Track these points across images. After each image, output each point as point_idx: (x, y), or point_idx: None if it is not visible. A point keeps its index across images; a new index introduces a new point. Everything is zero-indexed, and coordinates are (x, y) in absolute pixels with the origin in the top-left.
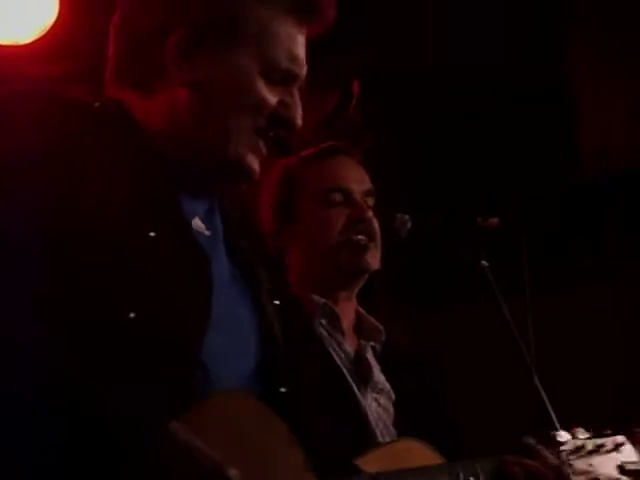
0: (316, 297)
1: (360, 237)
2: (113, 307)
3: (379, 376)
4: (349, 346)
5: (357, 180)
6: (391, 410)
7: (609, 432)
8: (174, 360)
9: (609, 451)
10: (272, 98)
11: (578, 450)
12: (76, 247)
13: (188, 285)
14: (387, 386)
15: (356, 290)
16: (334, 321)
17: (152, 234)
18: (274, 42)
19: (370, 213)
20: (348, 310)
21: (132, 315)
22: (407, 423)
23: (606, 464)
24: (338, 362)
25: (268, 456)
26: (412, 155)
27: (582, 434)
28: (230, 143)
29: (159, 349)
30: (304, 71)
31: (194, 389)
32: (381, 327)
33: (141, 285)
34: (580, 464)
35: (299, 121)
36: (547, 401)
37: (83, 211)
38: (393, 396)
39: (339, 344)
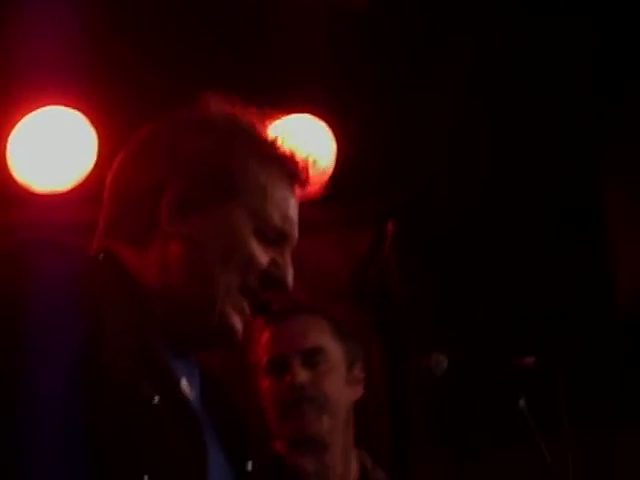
0: (307, 460)
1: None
2: (128, 471)
3: None
4: None
5: (293, 340)
6: None
7: None
8: None
9: None
10: (264, 257)
11: None
12: (95, 406)
13: (188, 450)
14: None
15: (336, 445)
16: None
17: (155, 400)
18: (269, 201)
19: (303, 378)
20: (347, 469)
21: (146, 478)
22: None
23: None
24: None
25: None
26: (449, 295)
27: None
28: (217, 301)
29: None
30: (296, 233)
31: None
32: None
33: (151, 449)
34: None
35: (290, 281)
36: None
37: (102, 369)
38: None
39: None
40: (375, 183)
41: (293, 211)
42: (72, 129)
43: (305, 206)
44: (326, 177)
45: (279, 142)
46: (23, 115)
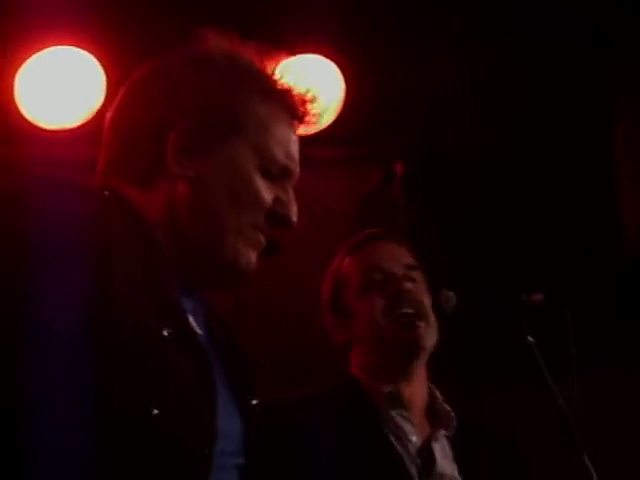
0: (385, 386)
1: (404, 311)
2: (139, 403)
3: (445, 467)
4: (417, 435)
5: (393, 257)
6: None
7: None
8: (192, 450)
9: None
10: (269, 195)
11: None
12: (106, 341)
13: (197, 385)
14: (456, 475)
15: (421, 369)
16: (401, 411)
17: (165, 333)
18: (272, 137)
19: (409, 284)
20: (418, 394)
21: (155, 412)
22: None
23: None
24: (400, 452)
25: None
26: (456, 232)
27: None
28: (227, 240)
29: (178, 443)
30: (298, 170)
31: (210, 469)
32: (452, 413)
33: (160, 383)
34: None
35: (295, 218)
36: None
37: (112, 307)
38: None
39: (406, 435)
40: (385, 124)
41: (294, 147)
42: (81, 68)
43: (314, 145)
44: (335, 116)
45: (279, 78)
46: (31, 54)
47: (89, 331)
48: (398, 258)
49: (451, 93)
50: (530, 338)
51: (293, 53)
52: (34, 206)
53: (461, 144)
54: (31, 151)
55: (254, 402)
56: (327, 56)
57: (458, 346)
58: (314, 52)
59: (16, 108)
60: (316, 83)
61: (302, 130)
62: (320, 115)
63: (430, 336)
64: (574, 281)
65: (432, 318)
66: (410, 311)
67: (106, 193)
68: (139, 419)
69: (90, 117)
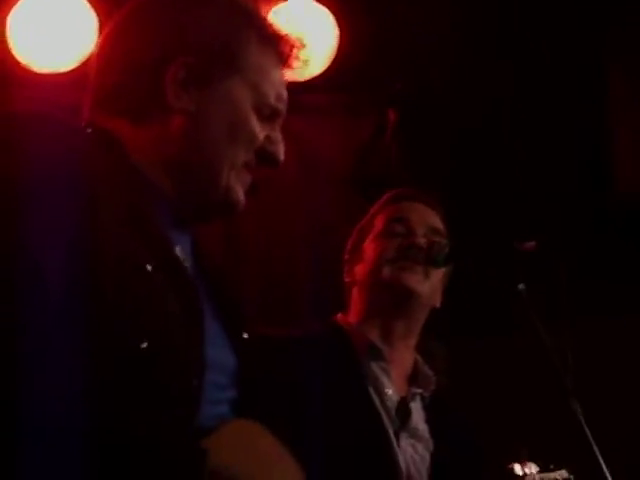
0: (371, 337)
1: (407, 262)
2: (127, 337)
3: (419, 423)
4: (394, 392)
5: (422, 217)
6: (427, 458)
7: (552, 467)
8: (181, 382)
9: None
10: (261, 133)
11: None
12: (93, 280)
13: (184, 316)
14: (427, 435)
15: (412, 328)
16: (381, 363)
17: (149, 267)
18: (266, 78)
19: (423, 240)
20: (403, 356)
21: (144, 345)
22: (442, 475)
23: None
24: (377, 404)
25: None
26: (449, 181)
27: (534, 468)
28: (222, 174)
29: (168, 375)
30: (285, 112)
31: (199, 401)
32: (433, 377)
33: (147, 316)
34: None
35: (282, 157)
36: (586, 427)
37: (98, 244)
38: (431, 446)
39: (382, 388)
40: (378, 71)
41: (284, 90)
42: (72, 11)
43: (308, 92)
44: (328, 63)
45: (273, 23)
46: None
47: (78, 268)
48: (426, 219)
49: (447, 38)
50: (521, 285)
51: None
52: (18, 146)
53: (456, 90)
54: (25, 95)
55: (245, 336)
56: (320, 1)
57: (449, 295)
58: None
59: (9, 52)
60: (309, 29)
61: (295, 76)
62: (309, 62)
63: (425, 288)
64: (566, 227)
65: (435, 279)
66: (413, 263)
67: (89, 130)
68: (129, 353)
69: (83, 61)
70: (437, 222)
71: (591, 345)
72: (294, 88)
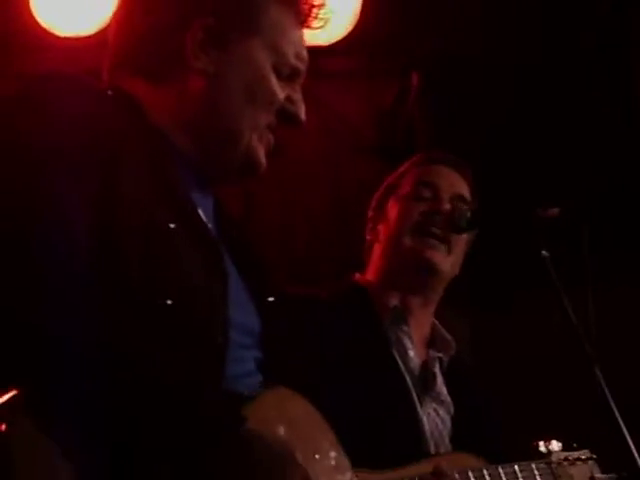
0: (392, 301)
1: (433, 231)
2: (152, 295)
3: (442, 388)
4: (416, 355)
5: (451, 183)
6: (448, 422)
7: (575, 446)
8: (206, 338)
9: (583, 463)
10: (281, 93)
11: (562, 461)
12: (117, 237)
13: (208, 276)
14: (448, 399)
15: (431, 298)
16: (403, 326)
17: (172, 226)
18: (285, 38)
19: (448, 207)
20: (422, 321)
21: (169, 302)
22: (462, 438)
23: (581, 474)
24: (401, 368)
25: (317, 451)
26: (472, 148)
27: (557, 446)
28: (243, 134)
29: (193, 332)
30: (305, 70)
31: (224, 358)
32: (453, 341)
33: (171, 274)
34: (564, 473)
35: (304, 117)
36: (608, 394)
37: (120, 202)
38: (452, 410)
39: (405, 350)
40: (402, 35)
41: (304, 49)
42: None
43: (331, 56)
44: (352, 27)
45: None
46: None
47: (100, 230)
48: (454, 185)
49: (473, 2)
50: (545, 252)
51: None
52: (44, 105)
53: (481, 55)
54: (47, 58)
55: (270, 299)
56: None
57: (472, 261)
58: None
59: (32, 16)
60: None
61: (318, 41)
62: (329, 21)
63: (447, 265)
64: (590, 194)
65: (458, 249)
66: (437, 232)
67: (109, 92)
68: (155, 310)
69: (104, 25)
70: (464, 189)
71: (615, 312)
72: (316, 52)
